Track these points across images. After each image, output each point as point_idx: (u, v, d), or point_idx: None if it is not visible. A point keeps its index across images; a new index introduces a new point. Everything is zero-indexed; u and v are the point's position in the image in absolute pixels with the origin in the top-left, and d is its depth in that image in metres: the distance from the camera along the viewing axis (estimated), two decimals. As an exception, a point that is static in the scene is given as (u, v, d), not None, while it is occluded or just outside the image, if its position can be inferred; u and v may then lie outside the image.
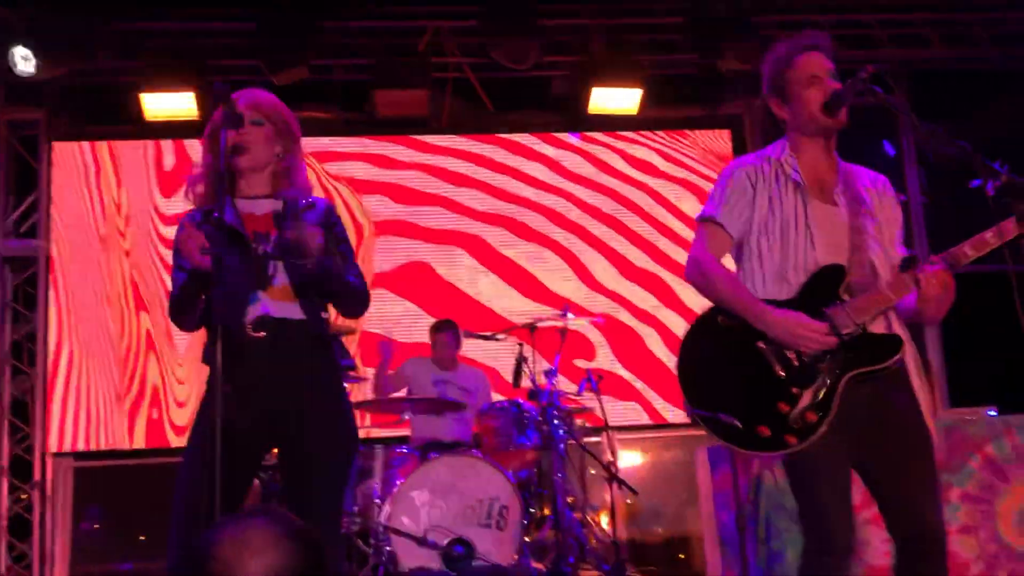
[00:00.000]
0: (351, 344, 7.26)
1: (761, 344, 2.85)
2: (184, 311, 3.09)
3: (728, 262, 3.06)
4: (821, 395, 2.78)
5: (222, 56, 7.63)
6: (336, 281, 3.10)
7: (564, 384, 6.23)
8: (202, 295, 3.03)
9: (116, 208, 7.79)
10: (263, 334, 2.98)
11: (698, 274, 3.02)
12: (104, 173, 7.82)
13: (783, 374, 2.82)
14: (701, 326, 2.97)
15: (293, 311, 3.04)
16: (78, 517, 7.60)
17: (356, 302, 3.22)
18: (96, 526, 7.89)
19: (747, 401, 2.81)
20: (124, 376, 7.55)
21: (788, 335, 2.81)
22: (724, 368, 2.89)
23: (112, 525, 7.84)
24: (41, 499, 7.43)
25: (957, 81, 8.22)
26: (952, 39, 7.98)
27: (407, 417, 6.22)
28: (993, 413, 5.10)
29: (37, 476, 7.44)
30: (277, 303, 3.02)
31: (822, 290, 2.87)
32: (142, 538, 8.01)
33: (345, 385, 3.30)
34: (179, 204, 7.56)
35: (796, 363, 2.82)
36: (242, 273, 2.98)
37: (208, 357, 2.94)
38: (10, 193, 7.83)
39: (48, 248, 7.67)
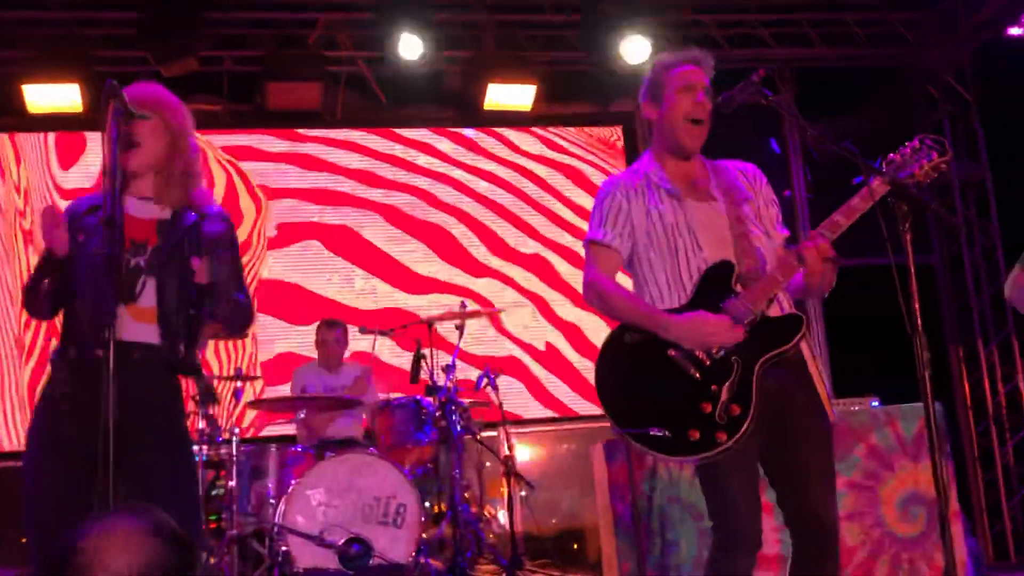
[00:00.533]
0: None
1: (671, 352, 2.88)
2: (35, 298, 2.96)
3: (624, 281, 3.10)
4: (739, 386, 2.82)
5: (108, 47, 7.42)
6: (224, 303, 3.01)
7: (462, 378, 6.23)
8: (53, 284, 2.92)
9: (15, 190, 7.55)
10: (101, 353, 2.70)
11: (595, 296, 3.06)
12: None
13: (698, 375, 2.86)
14: (610, 347, 2.99)
15: (150, 334, 2.92)
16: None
17: (243, 321, 3.15)
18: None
19: (671, 410, 2.83)
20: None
21: (695, 337, 2.86)
22: (641, 383, 2.91)
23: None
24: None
25: (839, 77, 8.50)
26: (832, 38, 8.23)
27: (301, 416, 6.14)
28: (876, 404, 5.28)
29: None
30: (136, 323, 2.90)
31: (715, 287, 2.93)
32: (23, 542, 7.72)
33: (185, 413, 3.17)
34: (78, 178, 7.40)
35: (708, 362, 2.86)
36: (107, 281, 2.76)
37: (54, 361, 2.89)
38: None
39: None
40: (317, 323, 6.72)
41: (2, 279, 7.42)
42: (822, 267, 2.88)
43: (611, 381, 2.94)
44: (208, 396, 5.38)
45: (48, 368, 2.96)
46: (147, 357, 2.90)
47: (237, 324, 3.14)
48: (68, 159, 7.60)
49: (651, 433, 2.81)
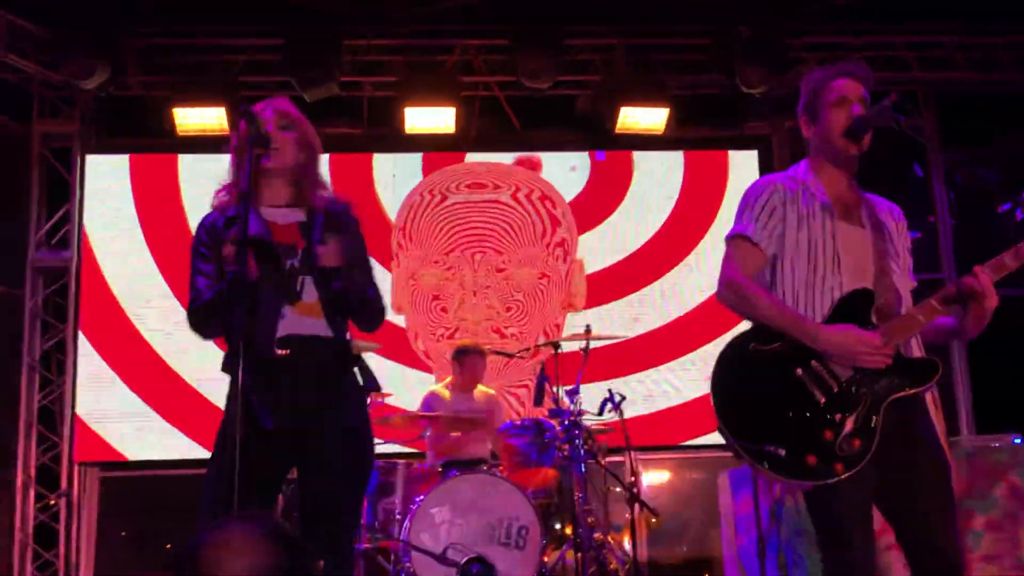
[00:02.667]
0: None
1: (799, 371, 2.81)
2: (213, 318, 3.10)
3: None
4: (863, 421, 2.75)
5: (252, 72, 7.72)
6: (358, 297, 3.13)
7: (586, 403, 6.21)
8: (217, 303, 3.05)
9: (147, 219, 7.87)
10: (288, 352, 2.99)
11: (733, 295, 2.96)
12: (135, 185, 7.90)
13: (823, 400, 2.78)
14: (732, 355, 2.90)
15: (320, 328, 3.06)
16: (103, 527, 7.66)
17: (375, 316, 3.24)
18: (123, 534, 7.96)
19: (790, 430, 2.76)
20: (151, 388, 7.62)
21: (844, 351, 2.78)
22: (761, 398, 2.82)
23: (137, 535, 7.90)
24: (67, 508, 7.50)
25: (985, 103, 8.19)
26: (978, 63, 7.95)
27: (427, 435, 6.23)
28: (1018, 440, 5.05)
29: (64, 485, 7.51)
30: (304, 319, 3.04)
31: (852, 314, 2.85)
32: (168, 547, 8.07)
33: (367, 402, 3.28)
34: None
35: (836, 389, 2.79)
36: (269, 286, 2.99)
37: (230, 368, 2.97)
38: (42, 205, 7.93)
39: (79, 259, 7.77)
40: (456, 347, 6.83)
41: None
42: (984, 305, 2.80)
43: (729, 391, 2.86)
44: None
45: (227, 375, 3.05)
46: (324, 348, 3.05)
47: (366, 317, 3.23)
48: (199, 199, 7.83)
49: (766, 450, 2.75)
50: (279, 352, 2.98)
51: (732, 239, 3.05)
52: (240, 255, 2.83)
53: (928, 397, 2.91)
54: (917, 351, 2.91)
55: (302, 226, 3.13)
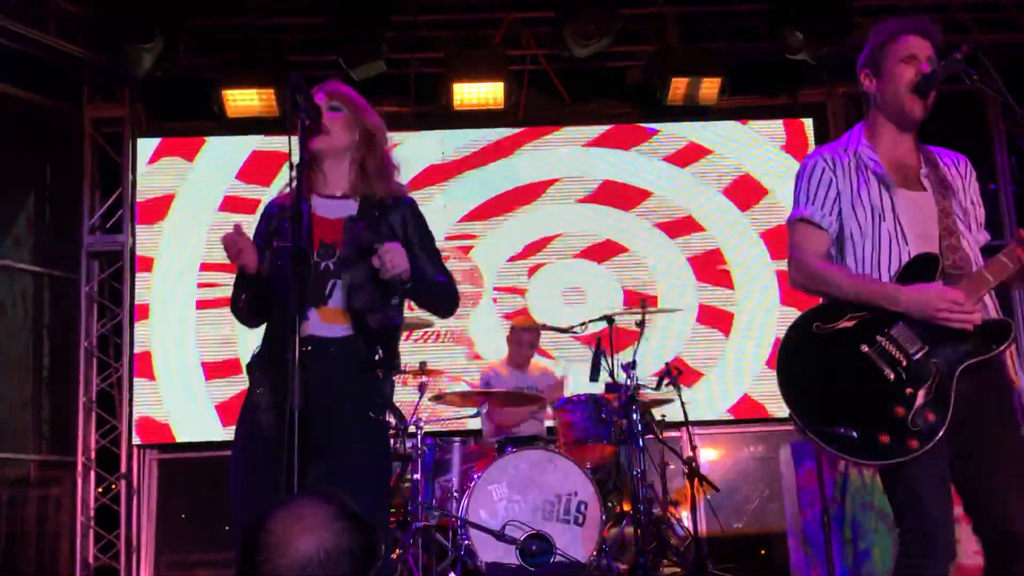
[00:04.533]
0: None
1: (865, 347, 2.74)
2: (239, 311, 3.07)
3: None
4: (936, 392, 2.67)
5: (300, 52, 7.70)
6: (426, 289, 3.04)
7: (642, 377, 6.14)
8: (250, 297, 3.00)
9: (198, 201, 7.90)
10: (308, 348, 2.84)
11: (805, 277, 2.92)
12: (187, 167, 7.94)
13: (892, 376, 2.71)
14: (796, 337, 2.84)
15: (339, 331, 2.94)
16: (163, 508, 7.74)
17: (447, 303, 3.16)
18: (183, 516, 8.04)
19: (861, 410, 2.69)
20: (205, 370, 7.67)
21: (929, 309, 2.70)
22: (829, 378, 2.76)
23: (196, 516, 7.96)
24: (127, 490, 7.58)
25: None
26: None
27: (483, 410, 6.19)
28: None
29: (123, 468, 7.59)
30: (326, 324, 2.93)
31: (917, 280, 2.77)
32: (227, 528, 8.13)
33: (385, 410, 3.10)
34: (259, 196, 7.66)
35: (904, 363, 2.71)
36: (295, 277, 2.79)
37: (252, 362, 2.97)
38: (95, 189, 7.98)
39: (133, 243, 7.82)
40: (511, 322, 6.80)
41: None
42: None
43: (796, 373, 2.80)
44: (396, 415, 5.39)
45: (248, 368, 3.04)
46: (344, 350, 2.93)
47: (441, 308, 3.17)
48: (251, 180, 7.90)
49: (838, 432, 2.68)
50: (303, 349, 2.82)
51: (793, 223, 3.00)
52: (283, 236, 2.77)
53: (1008, 362, 2.81)
54: (993, 311, 2.82)
55: (347, 223, 3.01)
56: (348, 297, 2.94)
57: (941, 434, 2.63)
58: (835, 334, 2.79)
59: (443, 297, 3.13)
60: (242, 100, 7.53)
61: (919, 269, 2.79)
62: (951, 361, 2.70)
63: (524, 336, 6.56)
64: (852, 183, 2.91)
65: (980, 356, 2.72)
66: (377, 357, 2.97)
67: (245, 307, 3.04)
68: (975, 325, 2.71)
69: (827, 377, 2.77)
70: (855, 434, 2.67)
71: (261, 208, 3.23)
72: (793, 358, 2.82)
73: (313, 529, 1.77)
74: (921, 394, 2.67)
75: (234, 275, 3.05)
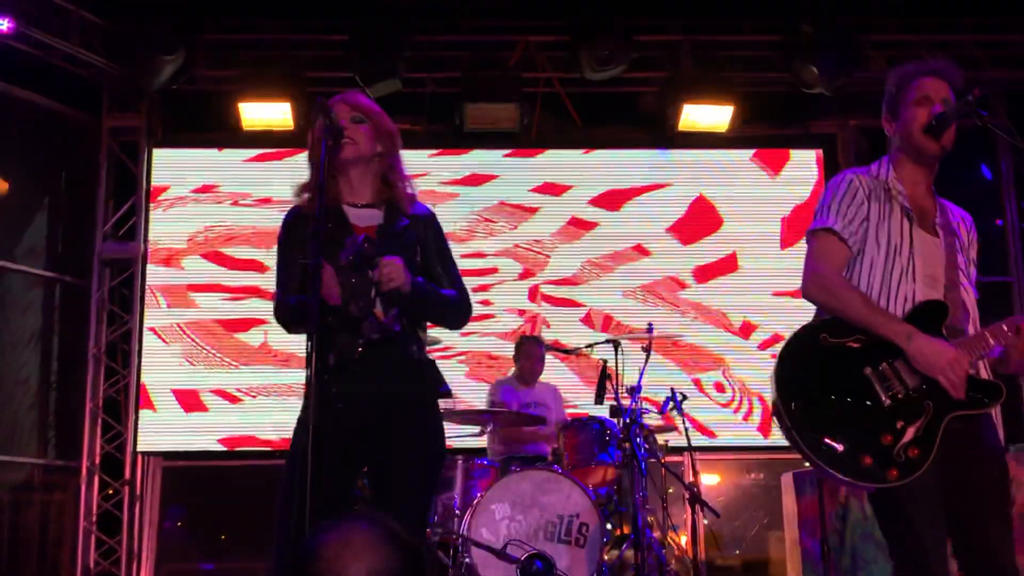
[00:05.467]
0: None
1: (867, 370, 2.75)
2: (296, 324, 3.09)
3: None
4: (924, 431, 2.69)
5: (317, 68, 7.78)
6: (430, 303, 3.09)
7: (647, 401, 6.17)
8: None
9: (211, 212, 7.97)
10: (360, 350, 2.97)
11: (821, 291, 2.88)
12: (201, 178, 8.01)
13: (888, 404, 2.72)
14: (800, 344, 2.83)
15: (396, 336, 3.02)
16: (165, 515, 7.77)
17: (454, 316, 3.21)
18: (179, 524, 8.07)
19: (850, 427, 2.70)
20: (213, 379, 7.71)
21: (934, 362, 2.71)
22: (827, 390, 2.76)
23: (196, 525, 8.00)
24: (130, 497, 7.61)
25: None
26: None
27: (489, 429, 6.22)
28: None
29: (127, 475, 7.63)
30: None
31: (925, 324, 2.78)
32: (223, 537, 8.17)
33: (438, 402, 3.23)
34: (275, 210, 7.72)
35: (901, 395, 2.73)
36: (313, 290, 2.84)
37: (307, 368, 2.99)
38: (109, 197, 8.05)
39: (145, 251, 7.88)
40: (519, 338, 6.83)
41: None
42: None
43: (795, 376, 2.79)
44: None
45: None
46: (392, 350, 3.02)
47: (446, 320, 3.23)
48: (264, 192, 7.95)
49: (824, 443, 2.69)
50: (348, 353, 2.97)
51: (816, 233, 2.95)
52: (312, 250, 2.82)
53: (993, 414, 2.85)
54: (984, 372, 2.84)
55: (380, 229, 3.08)
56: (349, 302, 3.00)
57: (920, 471, 2.65)
58: (841, 349, 2.79)
59: (449, 309, 3.17)
60: (258, 113, 7.61)
61: (928, 315, 2.80)
62: (944, 405, 2.72)
63: (533, 350, 6.59)
64: (880, 210, 2.91)
65: (972, 410, 2.74)
66: (416, 357, 3.08)
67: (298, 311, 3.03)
68: (972, 380, 2.73)
69: (825, 388, 2.76)
70: (840, 448, 2.68)
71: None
72: (792, 365, 2.80)
73: (362, 554, 1.78)
74: (911, 430, 2.69)
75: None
